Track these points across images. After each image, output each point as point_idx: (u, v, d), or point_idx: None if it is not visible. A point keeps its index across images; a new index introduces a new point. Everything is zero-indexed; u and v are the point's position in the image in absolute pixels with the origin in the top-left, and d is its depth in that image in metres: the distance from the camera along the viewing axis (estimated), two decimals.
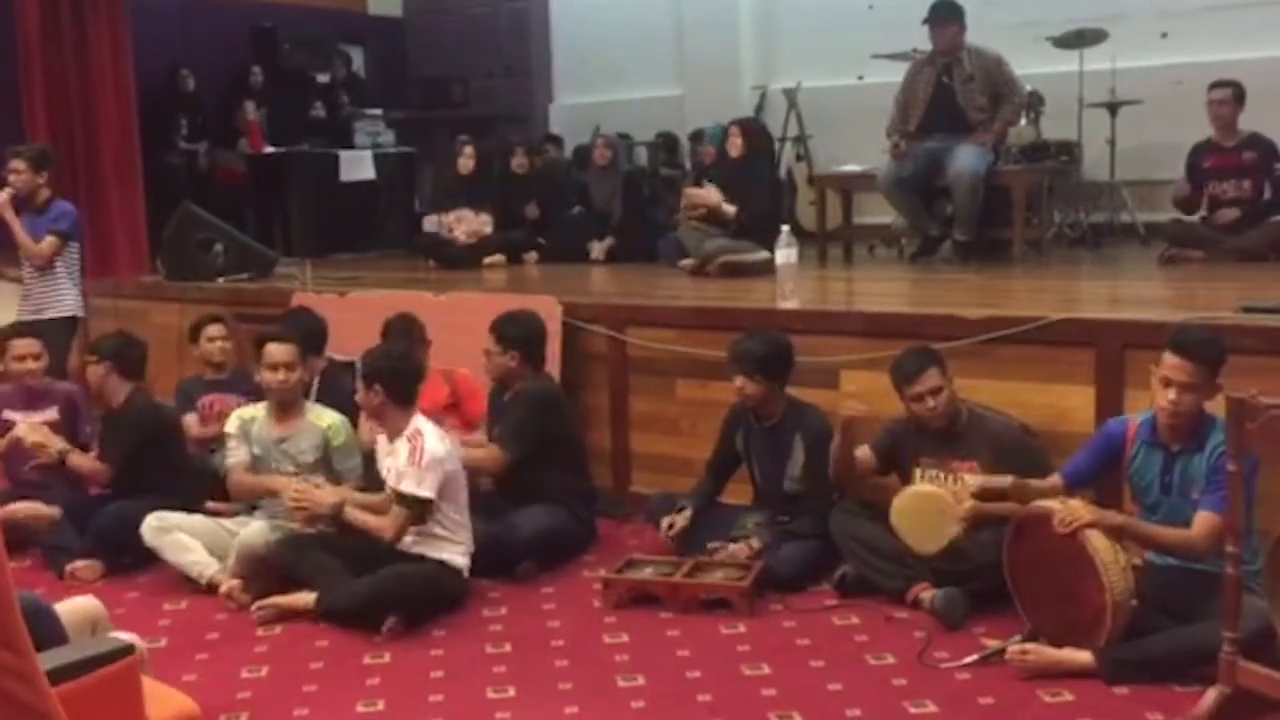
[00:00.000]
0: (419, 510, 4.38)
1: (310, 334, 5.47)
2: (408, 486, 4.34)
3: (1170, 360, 3.60)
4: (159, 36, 9.49)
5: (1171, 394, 3.59)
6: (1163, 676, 3.49)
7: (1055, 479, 3.94)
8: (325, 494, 4.58)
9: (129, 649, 2.25)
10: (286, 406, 4.89)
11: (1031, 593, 3.82)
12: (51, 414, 5.51)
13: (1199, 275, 6.26)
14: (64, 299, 6.64)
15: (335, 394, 5.25)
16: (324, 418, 4.92)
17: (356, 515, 4.46)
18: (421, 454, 4.36)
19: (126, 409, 5.17)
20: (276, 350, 4.85)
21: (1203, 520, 3.54)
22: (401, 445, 4.43)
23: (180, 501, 4.94)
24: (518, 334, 5.10)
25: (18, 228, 6.50)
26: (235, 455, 4.89)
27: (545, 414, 5.02)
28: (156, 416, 5.24)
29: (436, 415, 4.85)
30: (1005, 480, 3.95)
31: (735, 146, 7.20)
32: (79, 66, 8.40)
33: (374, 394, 4.48)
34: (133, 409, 5.16)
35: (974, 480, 4.09)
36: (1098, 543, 3.56)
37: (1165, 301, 5.60)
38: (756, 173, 7.12)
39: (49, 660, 1.82)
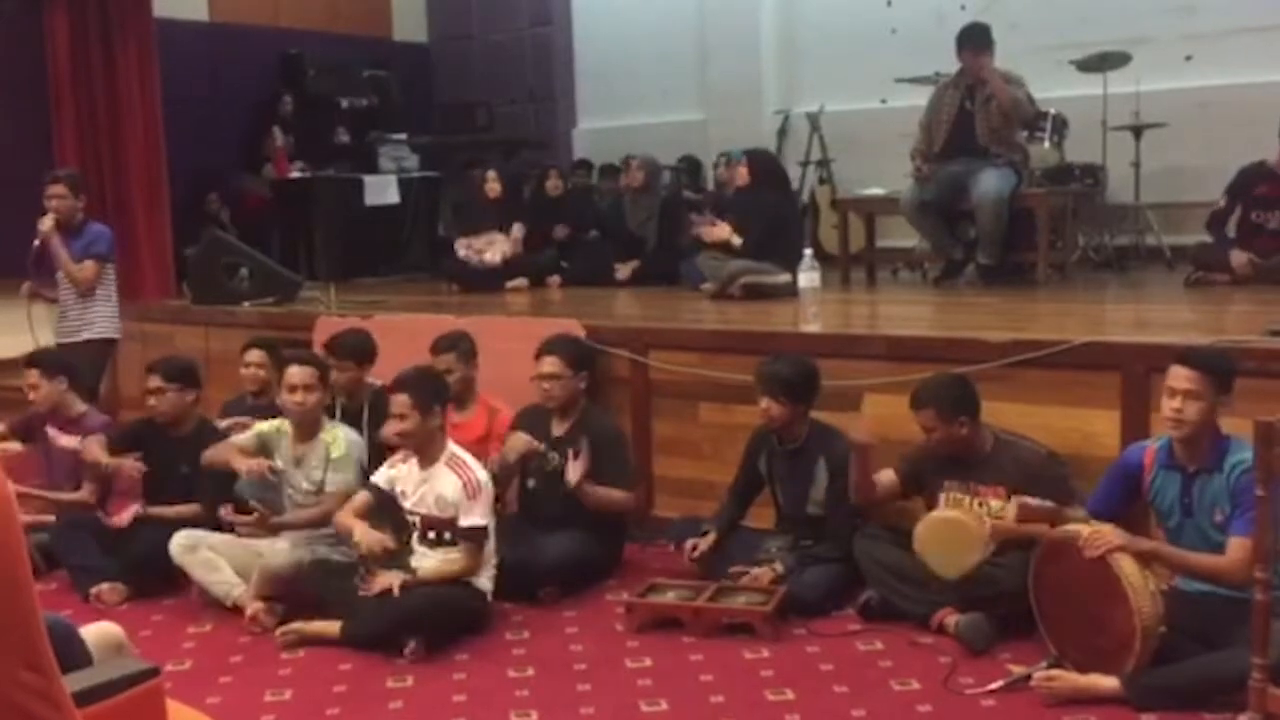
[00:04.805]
0: (481, 538, 4.40)
1: (362, 352, 5.47)
2: (468, 521, 4.36)
3: (1174, 370, 3.65)
4: (187, 62, 9.57)
5: (1175, 402, 3.61)
6: (1191, 703, 3.45)
7: (1083, 513, 3.92)
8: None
9: (154, 671, 2.25)
10: (305, 426, 4.90)
11: (1058, 618, 3.79)
12: (73, 441, 5.53)
13: (1225, 299, 6.23)
14: (100, 321, 6.69)
15: (383, 418, 5.22)
16: (331, 432, 4.89)
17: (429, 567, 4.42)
18: (475, 486, 4.38)
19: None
20: (296, 373, 4.85)
21: (1236, 546, 3.50)
22: (445, 474, 4.43)
23: (211, 523, 4.95)
24: (583, 356, 5.15)
25: (64, 255, 6.55)
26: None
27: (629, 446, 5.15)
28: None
29: (471, 447, 4.78)
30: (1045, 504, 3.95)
31: (740, 176, 7.28)
32: (107, 93, 8.48)
33: (433, 416, 4.46)
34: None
35: (1011, 509, 4.08)
36: (1127, 567, 3.53)
37: (1191, 325, 5.55)
38: (757, 202, 7.11)
39: (74, 683, 1.83)
